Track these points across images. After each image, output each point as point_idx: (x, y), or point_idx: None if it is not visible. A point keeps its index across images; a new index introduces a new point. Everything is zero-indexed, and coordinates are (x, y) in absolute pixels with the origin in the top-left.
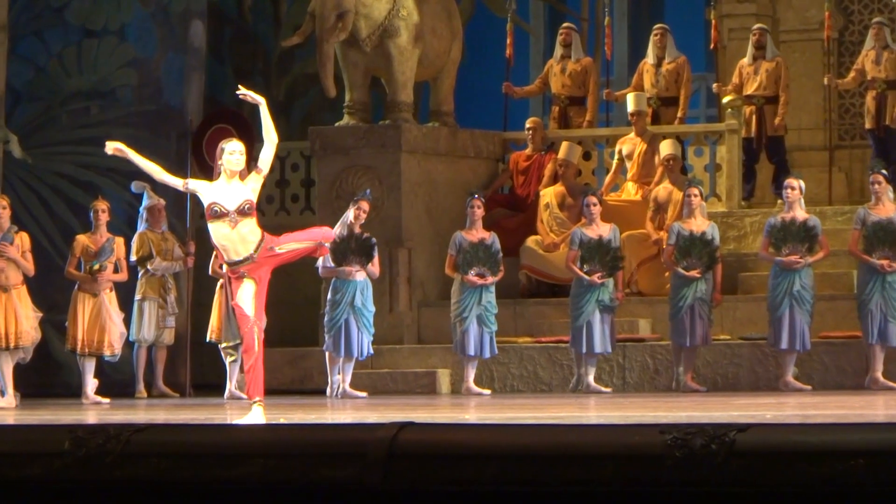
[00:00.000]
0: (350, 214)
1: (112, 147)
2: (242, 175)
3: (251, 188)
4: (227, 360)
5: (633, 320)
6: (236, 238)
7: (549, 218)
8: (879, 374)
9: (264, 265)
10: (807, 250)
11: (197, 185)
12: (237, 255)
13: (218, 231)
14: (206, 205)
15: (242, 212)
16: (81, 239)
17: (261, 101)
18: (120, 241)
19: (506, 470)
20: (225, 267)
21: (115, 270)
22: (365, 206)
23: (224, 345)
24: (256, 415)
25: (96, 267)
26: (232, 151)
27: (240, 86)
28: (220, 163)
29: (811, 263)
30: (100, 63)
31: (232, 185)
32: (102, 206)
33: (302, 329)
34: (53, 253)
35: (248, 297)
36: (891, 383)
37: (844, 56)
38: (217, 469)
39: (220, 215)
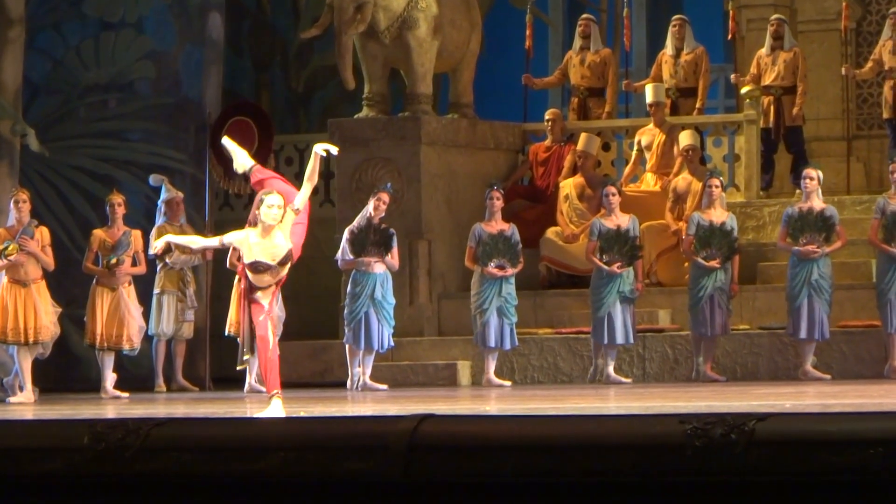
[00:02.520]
0: (370, 207)
1: (162, 243)
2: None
3: (286, 233)
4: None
5: (653, 311)
6: (272, 280)
7: (568, 209)
8: None
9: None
10: (824, 240)
11: (233, 240)
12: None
13: (260, 279)
14: (247, 261)
15: (283, 262)
16: (98, 233)
17: (330, 151)
18: (137, 233)
19: (526, 461)
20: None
21: (134, 264)
22: (385, 198)
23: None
24: (276, 408)
25: (114, 261)
26: (271, 205)
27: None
28: (256, 212)
29: (829, 253)
30: (117, 56)
31: (273, 235)
32: (118, 199)
33: (322, 322)
34: (72, 247)
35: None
36: None
37: (862, 46)
38: (237, 463)
39: (262, 270)
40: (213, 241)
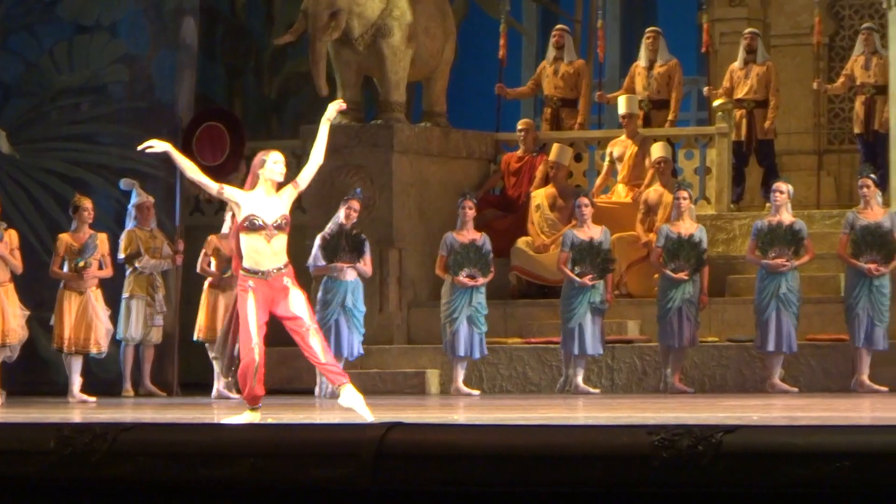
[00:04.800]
0: (341, 214)
1: (161, 148)
2: (277, 186)
3: (286, 203)
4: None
5: (622, 322)
6: (269, 252)
7: (539, 219)
8: (865, 377)
9: (274, 287)
10: (793, 253)
11: (233, 193)
12: (259, 266)
13: (252, 243)
14: (242, 215)
15: (279, 227)
16: (64, 237)
17: (329, 121)
18: (103, 237)
19: (494, 470)
20: (235, 273)
21: (100, 267)
22: (356, 205)
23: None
24: (350, 397)
25: (81, 264)
26: (276, 161)
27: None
28: (259, 172)
29: (797, 266)
30: (91, 59)
31: (270, 198)
32: (85, 203)
33: None
34: (41, 250)
35: (301, 304)
36: (877, 386)
37: (835, 61)
38: (205, 469)
39: (257, 228)
40: (212, 185)
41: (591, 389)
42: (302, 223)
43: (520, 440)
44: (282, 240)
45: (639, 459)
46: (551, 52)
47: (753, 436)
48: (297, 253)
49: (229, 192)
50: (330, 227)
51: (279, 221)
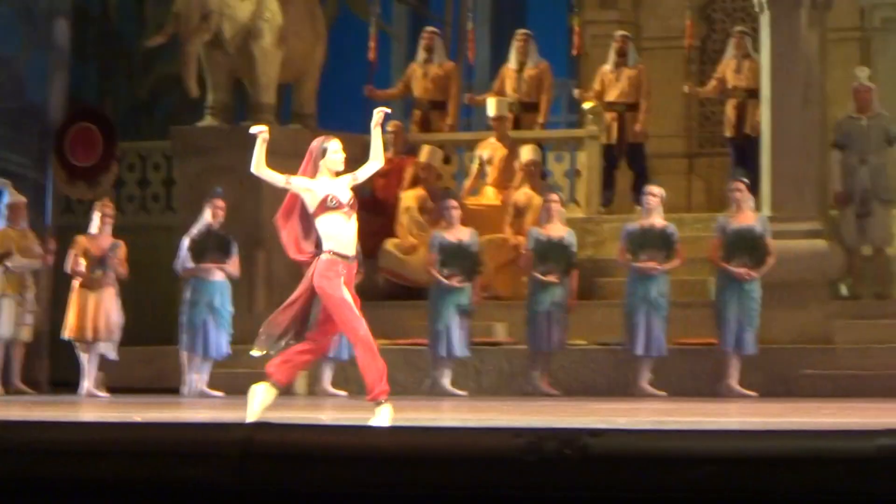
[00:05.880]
0: (207, 214)
1: (260, 131)
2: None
3: (348, 188)
4: (84, 357)
5: (490, 324)
6: (350, 233)
7: (408, 221)
8: (734, 382)
9: (351, 272)
10: (664, 257)
11: (302, 182)
12: (345, 249)
13: (333, 223)
14: (320, 197)
15: (352, 206)
16: None
17: (377, 125)
18: None
19: (360, 472)
20: (326, 256)
21: None
22: (219, 203)
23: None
24: (383, 418)
25: None
26: (335, 151)
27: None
28: (320, 162)
29: (668, 270)
30: None
31: (335, 181)
32: None
33: (160, 327)
34: None
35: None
36: (745, 391)
37: (706, 64)
38: (70, 467)
39: (336, 207)
40: (279, 178)
41: (458, 392)
42: (171, 223)
43: (386, 441)
44: (355, 222)
45: (504, 462)
46: (421, 55)
47: (620, 440)
48: (166, 253)
49: (297, 181)
50: (197, 228)
51: (351, 201)
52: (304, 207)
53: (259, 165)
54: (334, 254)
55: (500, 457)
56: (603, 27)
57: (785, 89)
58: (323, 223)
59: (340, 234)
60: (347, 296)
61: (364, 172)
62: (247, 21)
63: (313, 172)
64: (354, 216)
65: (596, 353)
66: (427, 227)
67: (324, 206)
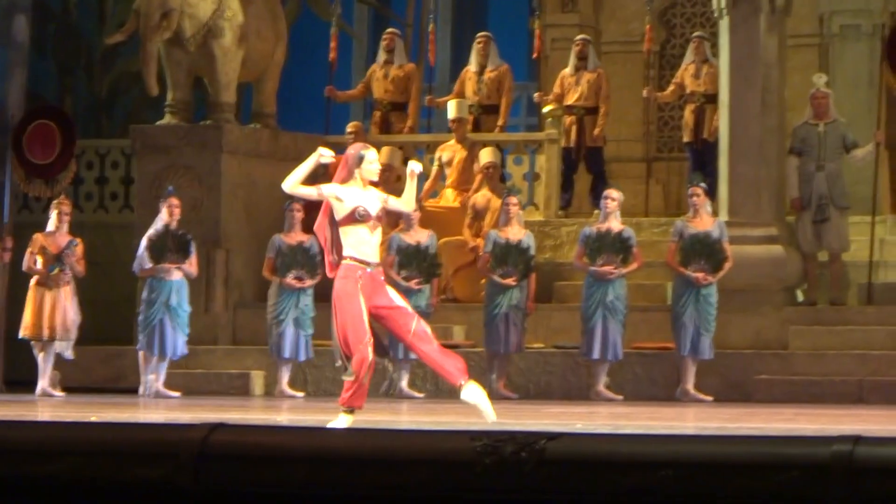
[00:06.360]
0: (163, 213)
1: (324, 155)
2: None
3: (379, 200)
4: (40, 356)
5: (448, 326)
6: (373, 244)
7: None
8: (690, 387)
9: (375, 280)
10: (621, 261)
11: (332, 190)
12: (367, 257)
13: (357, 234)
14: (349, 208)
15: (379, 218)
16: None
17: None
18: None
19: (317, 473)
20: (349, 261)
21: None
22: (174, 201)
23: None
24: (474, 394)
25: None
26: (372, 161)
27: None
28: (356, 170)
29: (625, 274)
30: None
31: (367, 191)
32: None
33: (117, 327)
34: None
35: (397, 295)
36: (701, 395)
37: (665, 69)
38: (26, 466)
39: (364, 219)
40: (311, 191)
41: (416, 394)
42: (129, 222)
43: (342, 443)
44: (380, 233)
45: (461, 465)
46: (382, 56)
47: (577, 443)
48: (124, 252)
49: (328, 189)
50: (155, 228)
51: (379, 213)
52: (331, 214)
53: (296, 184)
54: (354, 259)
55: (458, 460)
56: (563, 31)
57: (743, 94)
58: (347, 233)
59: (363, 244)
60: (362, 306)
61: (394, 204)
62: (207, 19)
63: (346, 179)
64: (380, 229)
65: (553, 356)
66: (386, 229)
67: (352, 217)
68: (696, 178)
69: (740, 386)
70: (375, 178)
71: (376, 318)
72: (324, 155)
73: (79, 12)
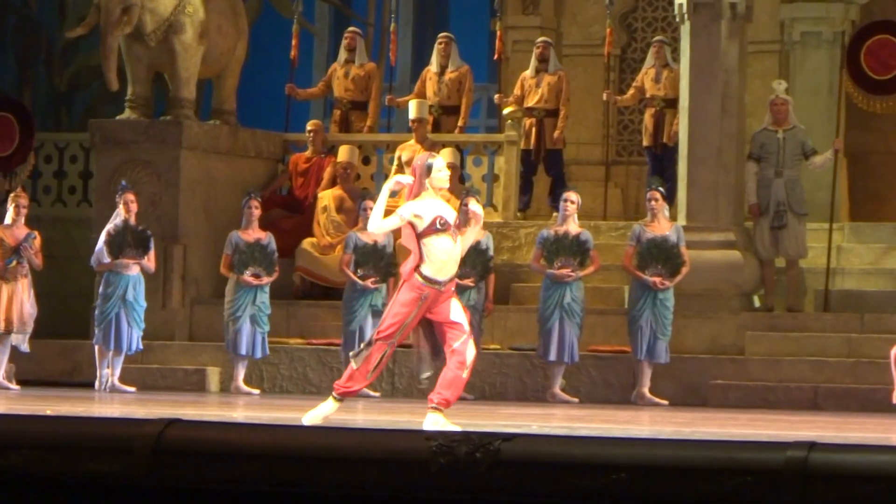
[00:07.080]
0: (120, 209)
1: (401, 181)
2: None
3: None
4: None
5: None
6: (455, 255)
7: (325, 220)
8: (646, 390)
9: (444, 295)
10: (578, 264)
11: (412, 210)
12: (441, 274)
13: (441, 245)
14: (429, 220)
15: (458, 227)
16: None
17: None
18: None
19: (271, 470)
20: (414, 278)
21: None
22: (130, 196)
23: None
24: (433, 422)
25: None
26: (440, 168)
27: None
28: (425, 181)
29: (582, 277)
30: None
31: (438, 201)
32: None
33: (73, 321)
34: None
35: (460, 311)
36: (657, 399)
37: (626, 73)
38: None
39: (445, 228)
40: (395, 219)
41: (372, 393)
42: (87, 216)
43: (298, 441)
44: (461, 242)
45: (416, 465)
46: (343, 55)
47: (532, 445)
48: (81, 246)
49: (406, 212)
50: (113, 223)
51: (457, 222)
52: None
53: (379, 221)
54: (425, 278)
55: (412, 459)
56: (524, 33)
57: (703, 99)
58: (429, 244)
59: (444, 256)
60: (412, 319)
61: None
62: (168, 15)
63: (419, 191)
64: (460, 238)
65: (509, 357)
66: (344, 227)
67: (433, 228)
68: (654, 182)
69: (696, 390)
70: (446, 185)
71: (433, 325)
72: (398, 182)
73: (39, 5)
